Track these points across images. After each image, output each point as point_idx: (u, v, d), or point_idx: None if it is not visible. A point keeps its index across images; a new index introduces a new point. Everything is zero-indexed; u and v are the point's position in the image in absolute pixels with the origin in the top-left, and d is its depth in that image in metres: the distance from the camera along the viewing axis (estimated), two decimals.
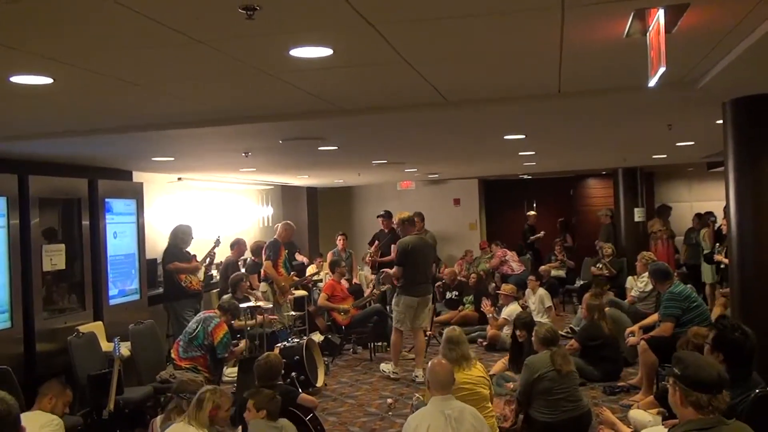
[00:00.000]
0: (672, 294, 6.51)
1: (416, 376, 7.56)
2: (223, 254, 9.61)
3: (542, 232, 14.01)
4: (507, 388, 6.30)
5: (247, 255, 10.17)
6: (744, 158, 5.04)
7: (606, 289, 9.71)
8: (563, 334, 8.52)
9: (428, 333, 9.36)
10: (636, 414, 4.91)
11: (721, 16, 3.13)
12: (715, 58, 3.98)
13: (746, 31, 3.37)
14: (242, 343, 6.97)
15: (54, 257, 6.63)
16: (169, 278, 8.12)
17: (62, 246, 6.79)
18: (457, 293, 11.19)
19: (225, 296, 8.49)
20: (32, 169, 6.73)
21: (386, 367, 7.83)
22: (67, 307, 7.00)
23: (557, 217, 15.04)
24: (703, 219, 11.95)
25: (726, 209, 5.30)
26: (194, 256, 8.45)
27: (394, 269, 8.02)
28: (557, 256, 13.31)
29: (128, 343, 6.59)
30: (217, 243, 9.07)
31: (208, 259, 8.90)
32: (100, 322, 7.10)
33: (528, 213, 14.69)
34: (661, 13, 2.94)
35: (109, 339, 6.52)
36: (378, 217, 11.81)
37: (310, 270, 11.32)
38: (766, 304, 4.92)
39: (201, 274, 8.62)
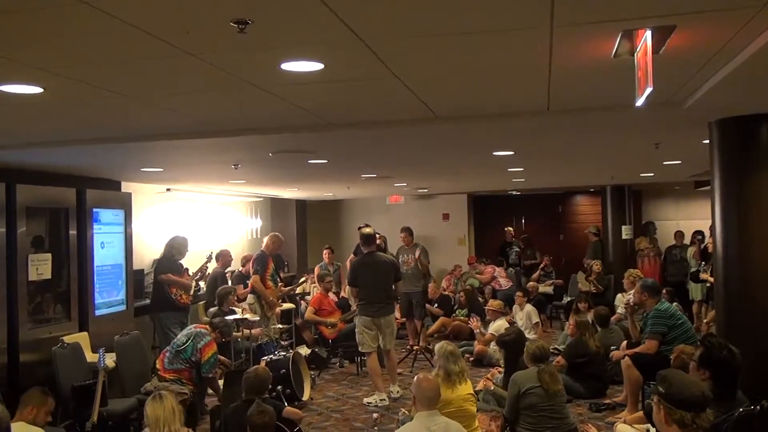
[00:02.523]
0: (658, 312, 6.54)
1: (392, 392, 7.52)
2: (211, 268, 9.58)
3: (516, 249, 14.15)
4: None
5: (235, 266, 10.16)
6: (730, 178, 5.09)
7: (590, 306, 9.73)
8: (551, 350, 8.53)
9: (416, 348, 9.36)
10: (623, 429, 4.93)
11: (707, 38, 3.18)
12: (702, 79, 4.03)
13: (732, 52, 3.42)
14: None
15: (40, 266, 6.59)
16: (159, 289, 8.07)
17: (49, 255, 6.74)
18: (437, 306, 11.26)
19: (212, 309, 8.46)
20: (20, 177, 6.70)
21: (371, 398, 7.40)
22: (53, 317, 6.95)
23: (546, 233, 15.11)
24: (683, 236, 12.08)
25: (712, 228, 5.35)
26: (187, 269, 8.41)
27: (350, 290, 7.80)
28: (545, 269, 13.40)
29: (113, 354, 6.54)
30: (209, 259, 9.05)
31: (198, 275, 8.88)
32: (86, 333, 7.05)
33: (506, 228, 14.81)
34: (648, 34, 2.98)
35: (94, 350, 6.48)
36: (358, 228, 11.76)
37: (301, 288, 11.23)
38: (751, 323, 4.95)
39: (191, 289, 8.58)
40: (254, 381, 5.22)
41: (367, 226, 11.08)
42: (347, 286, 12.06)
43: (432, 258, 11.99)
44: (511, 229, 14.81)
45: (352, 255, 11.78)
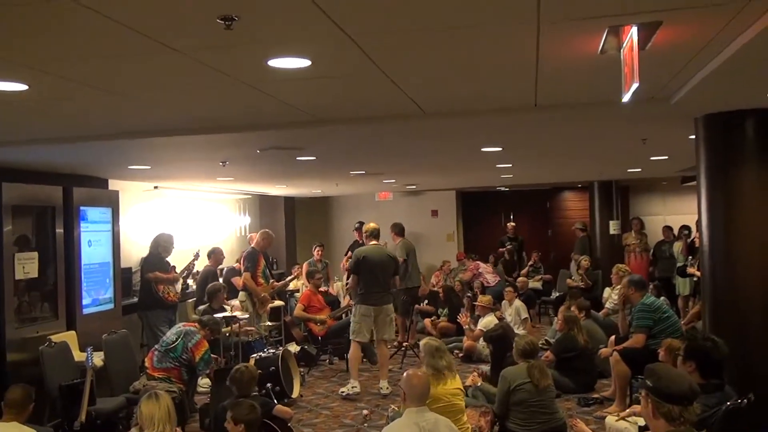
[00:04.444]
0: (644, 305, 6.58)
1: (381, 388, 7.57)
2: (200, 266, 9.54)
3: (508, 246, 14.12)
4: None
5: (224, 264, 10.13)
6: (715, 173, 5.13)
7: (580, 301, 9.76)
8: (541, 344, 8.55)
9: (404, 344, 9.37)
10: (612, 422, 4.96)
11: (693, 34, 3.20)
12: (688, 75, 4.05)
13: (717, 49, 3.44)
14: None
15: (27, 265, 6.54)
16: (147, 287, 8.03)
17: (35, 254, 6.70)
18: (426, 302, 11.27)
19: (201, 306, 8.43)
20: (6, 176, 6.64)
21: (344, 388, 7.55)
22: (40, 316, 6.91)
23: (534, 229, 15.16)
24: (671, 231, 12.12)
25: (698, 223, 5.39)
26: (173, 267, 8.37)
27: (350, 279, 8.04)
28: (534, 264, 13.44)
29: (101, 353, 6.51)
30: (197, 256, 9.00)
31: (186, 272, 8.83)
32: (73, 332, 7.01)
33: (508, 224, 14.79)
34: (634, 30, 2.99)
35: (82, 349, 6.44)
36: (354, 230, 11.80)
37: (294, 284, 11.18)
38: (737, 317, 4.99)
39: (178, 286, 8.55)
40: (241, 378, 5.22)
41: (362, 224, 11.13)
42: (335, 282, 12.15)
43: (421, 254, 11.98)
44: (513, 224, 14.77)
45: (349, 252, 11.85)
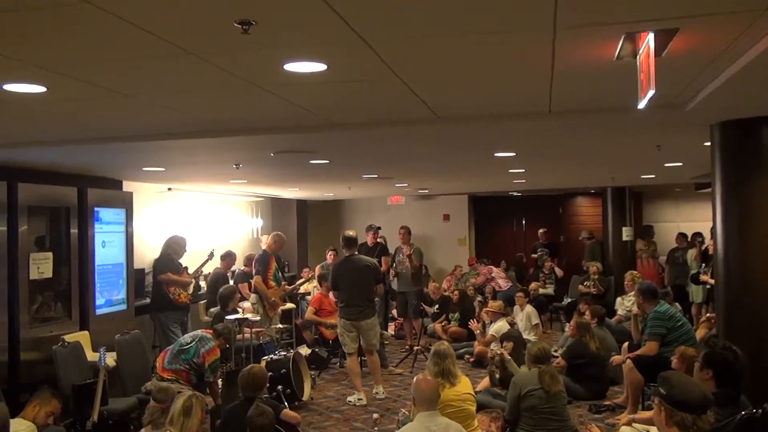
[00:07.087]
0: (657, 313, 6.54)
1: (376, 393, 7.59)
2: (213, 266, 9.57)
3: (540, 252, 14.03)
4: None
5: (236, 267, 10.16)
6: (730, 180, 5.10)
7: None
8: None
9: (416, 348, 9.36)
10: (627, 430, 4.94)
11: (709, 41, 3.19)
12: (704, 82, 4.03)
13: (734, 56, 3.43)
14: None
15: (41, 265, 6.59)
16: (158, 289, 8.07)
17: (50, 254, 6.75)
18: (438, 307, 11.24)
19: (213, 309, 8.44)
20: (21, 176, 6.71)
21: (351, 397, 7.53)
22: (54, 316, 6.96)
23: (547, 235, 15.13)
24: (688, 239, 12.05)
25: (713, 230, 5.36)
26: (186, 268, 8.40)
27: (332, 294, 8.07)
28: (544, 273, 13.38)
29: (114, 354, 6.54)
30: (211, 257, 9.02)
31: (200, 273, 8.86)
32: (86, 332, 7.06)
33: (539, 231, 14.66)
34: (651, 36, 2.99)
35: (95, 349, 6.48)
36: (368, 231, 11.70)
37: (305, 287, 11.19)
38: (751, 325, 4.95)
39: (191, 288, 8.57)
40: (249, 379, 5.24)
41: (372, 227, 11.07)
42: None
43: (432, 258, 11.95)
44: (544, 230, 14.66)
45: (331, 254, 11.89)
